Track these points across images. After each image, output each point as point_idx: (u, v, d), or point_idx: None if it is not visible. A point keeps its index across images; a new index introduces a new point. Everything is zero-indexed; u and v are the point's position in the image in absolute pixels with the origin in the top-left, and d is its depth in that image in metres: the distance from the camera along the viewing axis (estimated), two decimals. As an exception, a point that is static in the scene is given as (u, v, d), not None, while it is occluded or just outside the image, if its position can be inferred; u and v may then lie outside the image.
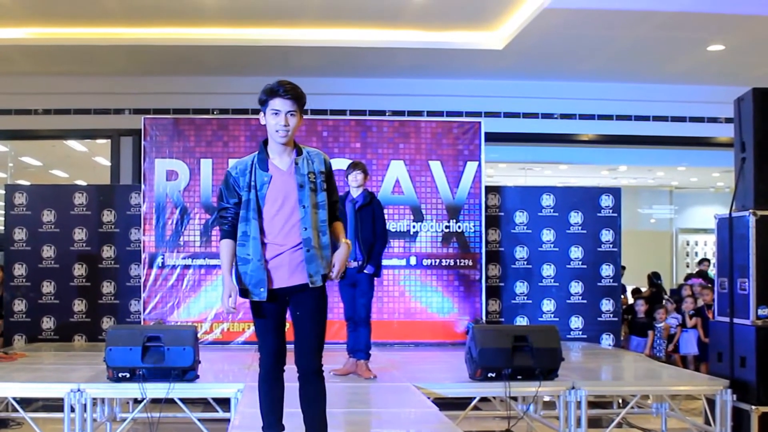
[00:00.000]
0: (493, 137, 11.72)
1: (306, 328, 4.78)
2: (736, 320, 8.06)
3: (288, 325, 4.90)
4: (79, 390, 7.01)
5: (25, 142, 14.33)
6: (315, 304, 4.77)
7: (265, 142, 4.82)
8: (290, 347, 4.83)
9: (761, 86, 8.23)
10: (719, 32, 10.37)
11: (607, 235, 11.28)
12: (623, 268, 11.64)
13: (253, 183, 4.70)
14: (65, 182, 16.15)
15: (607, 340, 11.20)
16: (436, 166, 10.86)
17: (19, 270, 10.88)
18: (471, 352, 7.47)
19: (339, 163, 9.98)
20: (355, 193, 8.07)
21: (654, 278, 14.00)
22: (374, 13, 10.28)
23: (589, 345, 10.88)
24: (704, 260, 14.89)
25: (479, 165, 10.89)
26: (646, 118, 13.01)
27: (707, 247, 18.93)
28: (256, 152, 4.81)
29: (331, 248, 4.79)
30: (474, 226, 10.88)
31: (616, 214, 11.34)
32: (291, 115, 4.67)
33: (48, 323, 10.87)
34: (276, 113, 4.66)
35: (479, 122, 11.10)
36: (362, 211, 8.01)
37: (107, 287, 10.96)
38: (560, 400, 7.43)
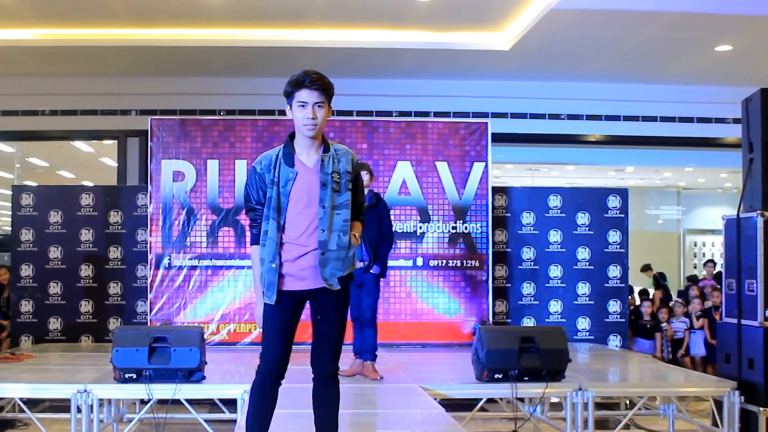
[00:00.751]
0: (499, 138, 11.70)
1: (325, 332, 4.62)
2: (743, 321, 8.03)
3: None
4: (85, 391, 7.02)
5: (31, 143, 14.39)
6: (336, 308, 4.61)
7: (292, 136, 4.62)
8: (299, 348, 4.76)
9: (769, 87, 8.21)
10: (727, 33, 10.35)
11: (614, 236, 11.25)
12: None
13: (276, 179, 4.50)
14: (72, 183, 16.23)
15: (614, 341, 11.17)
16: (442, 167, 10.85)
17: (26, 271, 10.89)
18: (478, 353, 7.46)
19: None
20: (361, 194, 8.06)
21: (660, 279, 13.94)
22: (380, 14, 10.27)
23: (596, 346, 10.85)
24: (709, 261, 14.83)
25: (486, 166, 10.88)
26: (653, 119, 12.99)
27: (715, 248, 18.89)
28: (281, 146, 4.61)
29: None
30: (481, 226, 10.86)
31: (623, 215, 11.31)
32: (318, 106, 4.47)
33: (55, 324, 10.88)
34: (303, 105, 4.46)
35: (486, 123, 11.09)
36: (368, 211, 7.95)
37: (114, 288, 10.97)
38: (567, 402, 7.40)
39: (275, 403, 4.64)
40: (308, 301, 4.65)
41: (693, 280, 14.05)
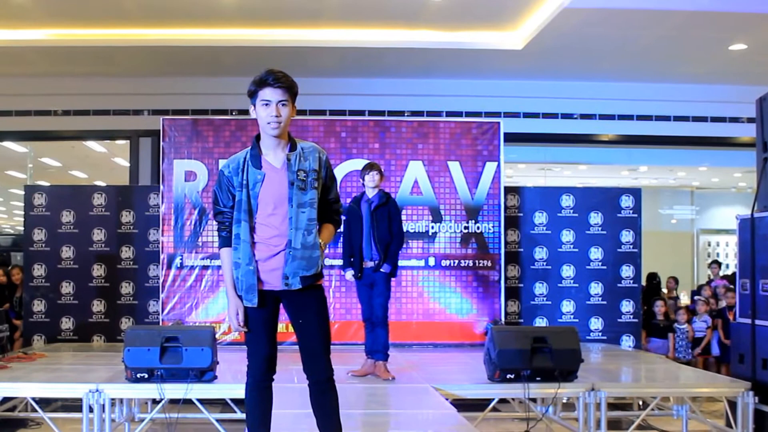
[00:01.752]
0: (512, 137, 11.68)
1: (310, 335, 4.58)
2: (758, 322, 7.99)
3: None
4: (97, 390, 7.03)
5: (44, 143, 14.44)
6: (314, 308, 4.59)
7: (258, 137, 4.60)
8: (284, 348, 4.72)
9: (784, 86, 8.16)
10: (741, 31, 10.28)
11: (627, 236, 11.21)
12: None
13: (245, 181, 4.50)
14: (84, 183, 16.27)
15: (627, 341, 11.13)
16: (454, 167, 10.82)
17: (39, 270, 10.92)
18: (490, 354, 7.43)
19: (357, 164, 9.98)
20: (371, 193, 8.08)
21: (651, 279, 13.84)
22: (393, 14, 10.25)
23: (609, 346, 10.82)
24: (714, 262, 14.71)
25: (498, 165, 10.85)
26: (666, 118, 12.93)
27: (729, 248, 18.79)
28: (249, 148, 4.59)
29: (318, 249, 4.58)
30: (493, 226, 10.83)
31: (636, 215, 11.27)
32: (282, 105, 4.42)
33: (67, 324, 10.91)
34: (266, 104, 4.42)
35: (498, 122, 11.06)
36: (378, 211, 8.01)
37: (126, 288, 10.99)
38: (580, 402, 7.38)
39: (272, 400, 4.67)
40: (282, 304, 4.64)
41: (676, 281, 13.96)
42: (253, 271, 4.48)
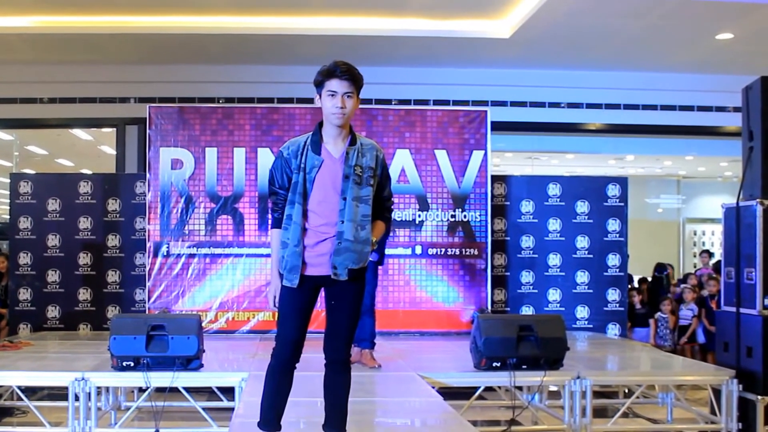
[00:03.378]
0: (499, 126, 11.65)
1: (339, 318, 4.72)
2: (742, 310, 8.02)
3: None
4: (83, 379, 7.03)
5: (30, 131, 14.35)
6: (351, 296, 4.70)
7: (320, 124, 4.71)
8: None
9: (769, 75, 8.17)
10: (728, 21, 10.30)
11: (613, 225, 11.24)
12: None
13: (303, 165, 4.61)
14: (70, 171, 16.16)
15: (613, 329, 11.17)
16: (441, 155, 10.81)
17: (24, 259, 10.88)
18: (476, 342, 7.46)
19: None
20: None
21: (657, 270, 13.89)
22: (380, 2, 10.24)
23: (595, 335, 10.85)
24: (704, 251, 14.76)
25: (485, 154, 10.84)
26: (653, 107, 12.95)
27: (715, 236, 18.86)
28: (310, 133, 4.72)
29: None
30: (480, 215, 10.83)
31: (622, 204, 11.29)
32: (348, 96, 4.57)
33: (53, 312, 10.88)
34: (332, 95, 4.56)
35: (485, 111, 11.04)
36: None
37: (112, 276, 10.96)
38: (565, 390, 7.41)
39: (290, 386, 4.75)
40: (323, 288, 4.74)
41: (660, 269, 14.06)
42: (299, 253, 4.57)
